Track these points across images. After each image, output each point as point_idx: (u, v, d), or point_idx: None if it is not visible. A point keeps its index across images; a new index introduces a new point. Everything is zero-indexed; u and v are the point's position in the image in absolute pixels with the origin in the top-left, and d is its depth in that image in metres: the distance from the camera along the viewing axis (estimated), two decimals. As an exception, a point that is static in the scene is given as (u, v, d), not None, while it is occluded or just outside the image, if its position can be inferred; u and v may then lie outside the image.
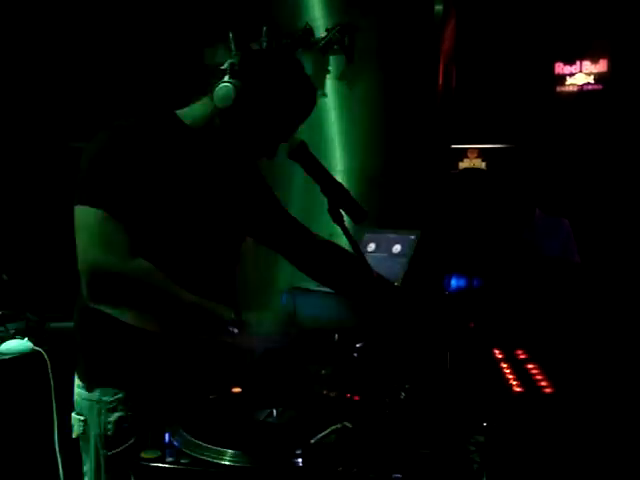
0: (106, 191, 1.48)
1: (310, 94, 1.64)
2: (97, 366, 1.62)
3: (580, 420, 1.16)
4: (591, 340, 1.32)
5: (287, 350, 1.49)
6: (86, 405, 1.62)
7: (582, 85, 5.89)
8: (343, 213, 1.55)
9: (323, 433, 1.14)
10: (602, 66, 5.82)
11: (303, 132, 1.65)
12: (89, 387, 1.62)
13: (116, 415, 1.57)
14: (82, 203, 1.48)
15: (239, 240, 1.78)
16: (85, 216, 1.47)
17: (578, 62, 5.89)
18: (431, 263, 2.35)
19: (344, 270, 1.86)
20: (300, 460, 1.13)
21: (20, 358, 2.46)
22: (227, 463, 1.14)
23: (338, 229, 1.53)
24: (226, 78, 1.55)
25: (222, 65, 1.56)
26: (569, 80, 5.92)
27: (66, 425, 1.71)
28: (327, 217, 1.55)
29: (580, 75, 5.90)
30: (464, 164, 5.78)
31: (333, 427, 1.15)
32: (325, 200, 1.55)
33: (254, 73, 1.56)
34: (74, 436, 1.66)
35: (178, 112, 1.66)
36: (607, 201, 5.24)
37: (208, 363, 1.60)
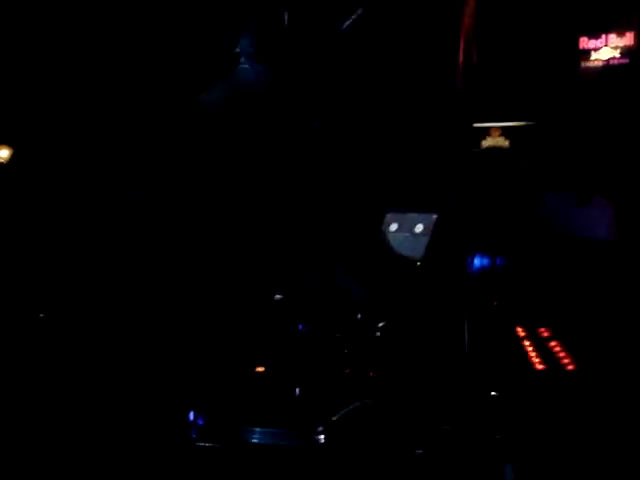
0: None
1: (326, 73, 1.65)
2: None
3: (602, 397, 1.15)
4: (613, 318, 1.31)
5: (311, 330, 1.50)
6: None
7: (608, 59, 5.75)
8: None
9: (345, 410, 1.15)
10: (629, 39, 5.66)
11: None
12: None
13: None
14: None
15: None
16: None
17: (603, 35, 5.74)
18: (453, 242, 2.34)
19: (364, 250, 1.86)
20: (322, 437, 1.14)
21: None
22: (251, 440, 1.16)
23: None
24: (242, 60, 1.57)
25: (235, 49, 1.58)
26: (594, 55, 5.78)
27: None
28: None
29: (606, 49, 5.76)
30: (487, 142, 5.71)
31: (355, 404, 1.16)
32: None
33: (267, 54, 1.57)
34: None
35: (200, 97, 1.68)
36: (633, 179, 5.14)
37: (232, 342, 1.62)
